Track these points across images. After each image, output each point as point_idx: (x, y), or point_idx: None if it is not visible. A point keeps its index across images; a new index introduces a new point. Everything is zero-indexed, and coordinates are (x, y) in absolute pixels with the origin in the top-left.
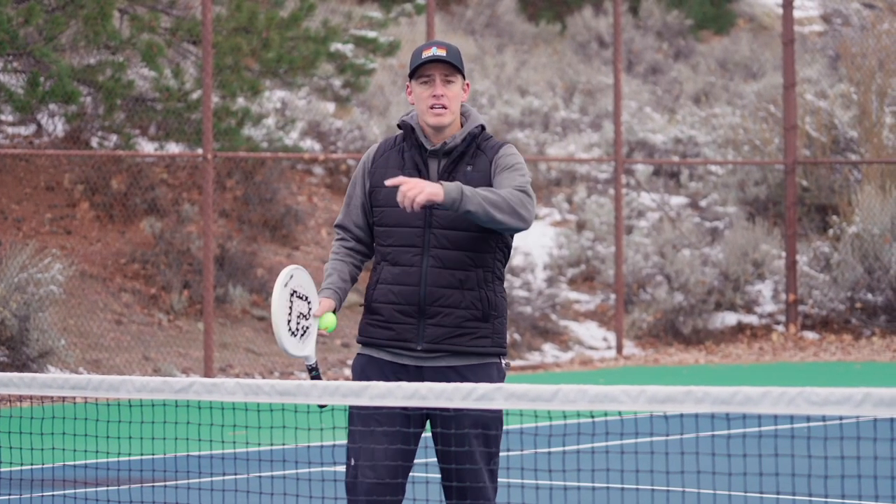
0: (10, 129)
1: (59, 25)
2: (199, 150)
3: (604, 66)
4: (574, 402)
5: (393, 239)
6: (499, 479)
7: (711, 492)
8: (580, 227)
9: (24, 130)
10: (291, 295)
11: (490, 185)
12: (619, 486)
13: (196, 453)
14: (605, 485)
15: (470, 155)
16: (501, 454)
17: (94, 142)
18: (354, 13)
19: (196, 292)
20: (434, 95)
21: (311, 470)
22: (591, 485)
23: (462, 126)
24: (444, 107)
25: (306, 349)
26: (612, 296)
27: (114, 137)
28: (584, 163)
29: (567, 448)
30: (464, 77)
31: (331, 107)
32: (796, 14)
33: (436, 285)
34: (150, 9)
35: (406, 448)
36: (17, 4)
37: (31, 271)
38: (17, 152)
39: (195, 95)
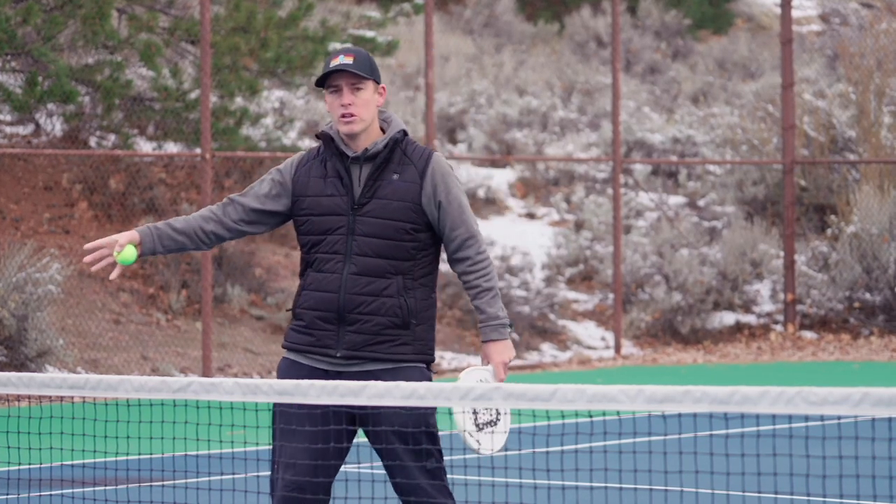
0: (8, 129)
1: (58, 25)
2: (198, 150)
3: (602, 65)
4: (572, 402)
5: (319, 247)
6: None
7: (710, 491)
8: (578, 226)
9: (23, 130)
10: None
11: (419, 197)
12: (618, 485)
13: (194, 453)
14: (603, 484)
15: (396, 162)
16: (500, 454)
17: (93, 141)
18: (353, 13)
19: (194, 292)
20: (342, 104)
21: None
22: (589, 484)
23: (384, 132)
24: (353, 115)
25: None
26: (611, 295)
27: (112, 137)
28: (582, 162)
29: (565, 448)
30: (377, 82)
31: None
32: (794, 14)
33: (355, 292)
34: (149, 8)
35: (327, 447)
36: (15, 4)
37: (30, 271)
38: (16, 152)
39: (193, 95)
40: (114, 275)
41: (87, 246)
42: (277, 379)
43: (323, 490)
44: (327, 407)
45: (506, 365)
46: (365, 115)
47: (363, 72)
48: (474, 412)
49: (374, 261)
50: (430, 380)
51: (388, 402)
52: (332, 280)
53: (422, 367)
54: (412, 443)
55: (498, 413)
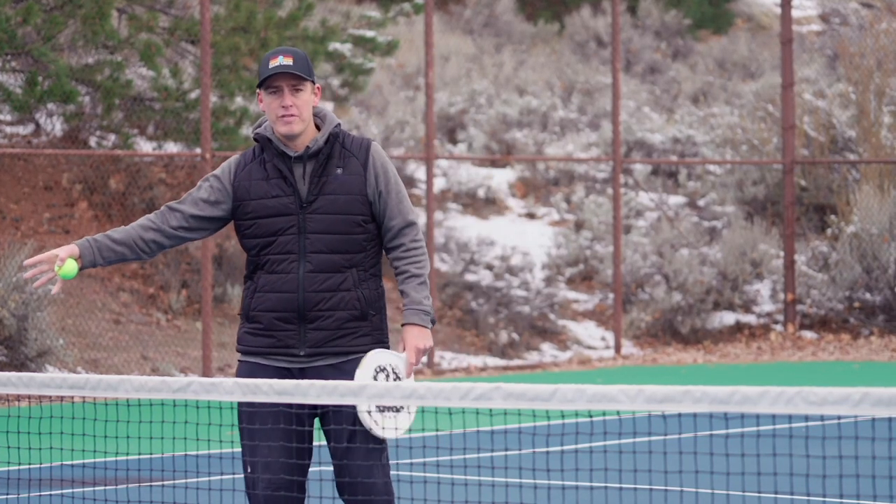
0: (8, 129)
1: (58, 25)
2: (198, 150)
3: (602, 65)
4: (572, 402)
5: (269, 248)
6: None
7: (709, 491)
8: (578, 226)
9: (23, 130)
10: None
11: (364, 187)
12: (618, 485)
13: (194, 453)
14: (603, 484)
15: (337, 156)
16: (499, 454)
17: (93, 141)
18: (353, 13)
19: (194, 292)
20: (283, 105)
21: (310, 469)
22: (589, 484)
23: (319, 129)
24: (293, 115)
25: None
26: (611, 295)
27: (112, 137)
28: (582, 162)
29: (565, 448)
30: (313, 82)
31: (329, 106)
32: (794, 14)
33: (313, 290)
34: (149, 8)
35: (296, 446)
36: (15, 4)
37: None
38: (16, 152)
39: (193, 95)
40: (55, 289)
41: (28, 262)
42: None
43: (297, 488)
44: (291, 407)
45: (420, 352)
46: (305, 116)
47: (303, 73)
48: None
49: (329, 257)
50: None
51: (388, 402)
52: (288, 280)
53: None
54: (377, 441)
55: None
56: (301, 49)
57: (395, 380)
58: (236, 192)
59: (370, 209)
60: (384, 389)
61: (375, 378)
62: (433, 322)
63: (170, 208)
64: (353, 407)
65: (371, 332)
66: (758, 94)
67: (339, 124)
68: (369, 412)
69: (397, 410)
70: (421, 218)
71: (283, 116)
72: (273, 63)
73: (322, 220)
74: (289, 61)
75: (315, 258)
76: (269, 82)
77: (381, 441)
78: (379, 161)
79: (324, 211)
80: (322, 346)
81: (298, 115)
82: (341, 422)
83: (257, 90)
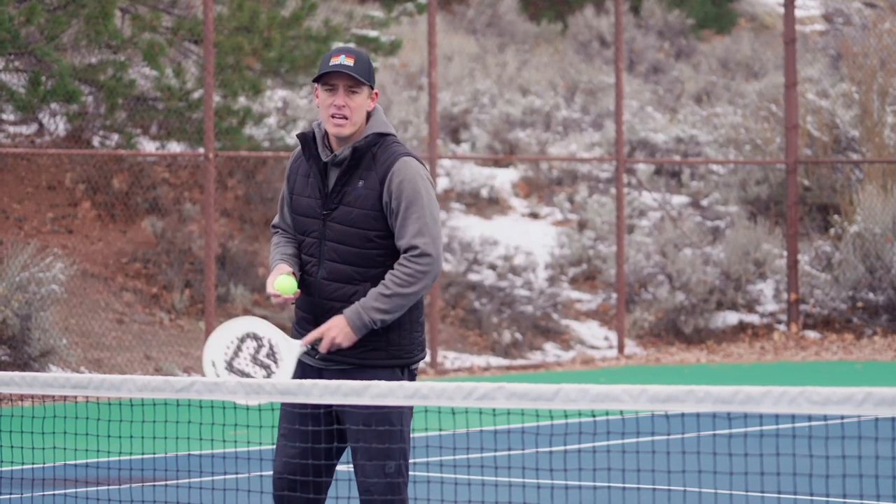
0: (11, 129)
1: (61, 25)
2: (201, 150)
3: (605, 65)
4: (575, 402)
5: (302, 247)
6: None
7: (713, 491)
8: (581, 226)
9: (26, 130)
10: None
11: (378, 204)
12: (621, 485)
13: (197, 452)
14: (606, 484)
15: (363, 168)
16: (503, 454)
17: (96, 141)
18: (356, 12)
19: (198, 291)
20: (336, 105)
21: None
22: (592, 484)
23: None
24: (344, 117)
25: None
26: (614, 295)
27: (115, 137)
28: (585, 162)
29: (568, 447)
30: (371, 87)
31: None
32: (798, 13)
33: (327, 297)
34: (152, 8)
35: (310, 447)
36: (18, 4)
37: (33, 270)
38: (19, 151)
39: (197, 95)
40: (290, 301)
41: (270, 293)
42: None
43: (304, 488)
44: (306, 407)
45: (331, 343)
46: (356, 119)
47: (362, 76)
48: (237, 351)
49: (342, 267)
50: (399, 378)
51: (391, 402)
52: (310, 283)
53: (395, 369)
54: (374, 442)
55: (269, 372)
56: (304, 49)
57: (266, 356)
58: (289, 182)
59: (386, 225)
60: (387, 389)
61: (240, 344)
62: (365, 330)
63: (276, 227)
64: (361, 407)
65: (386, 347)
66: (761, 94)
67: (382, 133)
68: (213, 362)
69: (248, 376)
70: None
71: (334, 116)
72: (334, 61)
73: (338, 231)
74: (350, 62)
75: (330, 266)
76: (327, 79)
77: (384, 441)
78: (397, 179)
79: (339, 221)
80: (332, 354)
81: (349, 118)
82: (346, 422)
83: (314, 84)
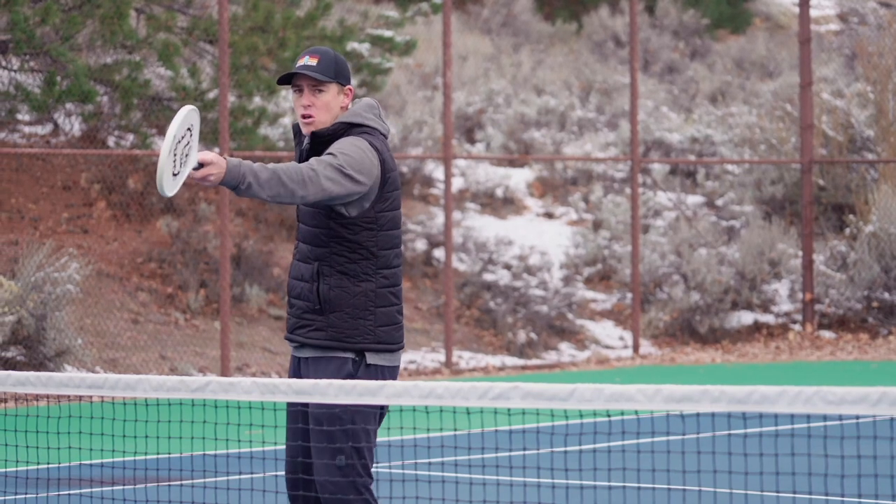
0: (27, 129)
1: (76, 25)
2: (216, 150)
3: (620, 65)
4: (590, 402)
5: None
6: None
7: (728, 491)
8: (597, 226)
9: (41, 130)
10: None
11: None
12: (636, 485)
13: (212, 452)
14: (621, 484)
15: (320, 153)
16: (518, 453)
17: (111, 141)
18: (371, 12)
19: (213, 291)
20: (303, 105)
21: None
22: (607, 484)
23: None
24: (311, 116)
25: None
26: (629, 295)
27: (130, 137)
28: (600, 162)
29: (583, 447)
30: (341, 84)
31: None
32: (813, 13)
33: (293, 277)
34: (167, 8)
35: (305, 445)
36: (33, 4)
37: (48, 270)
38: (34, 152)
39: (212, 95)
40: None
41: None
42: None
43: (300, 485)
44: (296, 406)
45: (204, 175)
46: (323, 118)
47: (325, 74)
48: (184, 136)
49: (304, 246)
50: (351, 373)
51: (406, 402)
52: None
53: (345, 357)
54: (324, 440)
55: (176, 165)
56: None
57: (185, 147)
58: None
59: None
60: (402, 388)
61: (182, 136)
62: (234, 182)
63: None
64: (318, 406)
65: (326, 328)
66: (776, 94)
67: (355, 125)
68: (175, 141)
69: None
70: (439, 217)
71: (303, 116)
72: (299, 63)
73: (302, 212)
74: (313, 62)
75: (299, 246)
76: (294, 80)
77: (335, 440)
78: (333, 148)
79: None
80: (292, 333)
81: (315, 117)
82: (306, 420)
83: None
